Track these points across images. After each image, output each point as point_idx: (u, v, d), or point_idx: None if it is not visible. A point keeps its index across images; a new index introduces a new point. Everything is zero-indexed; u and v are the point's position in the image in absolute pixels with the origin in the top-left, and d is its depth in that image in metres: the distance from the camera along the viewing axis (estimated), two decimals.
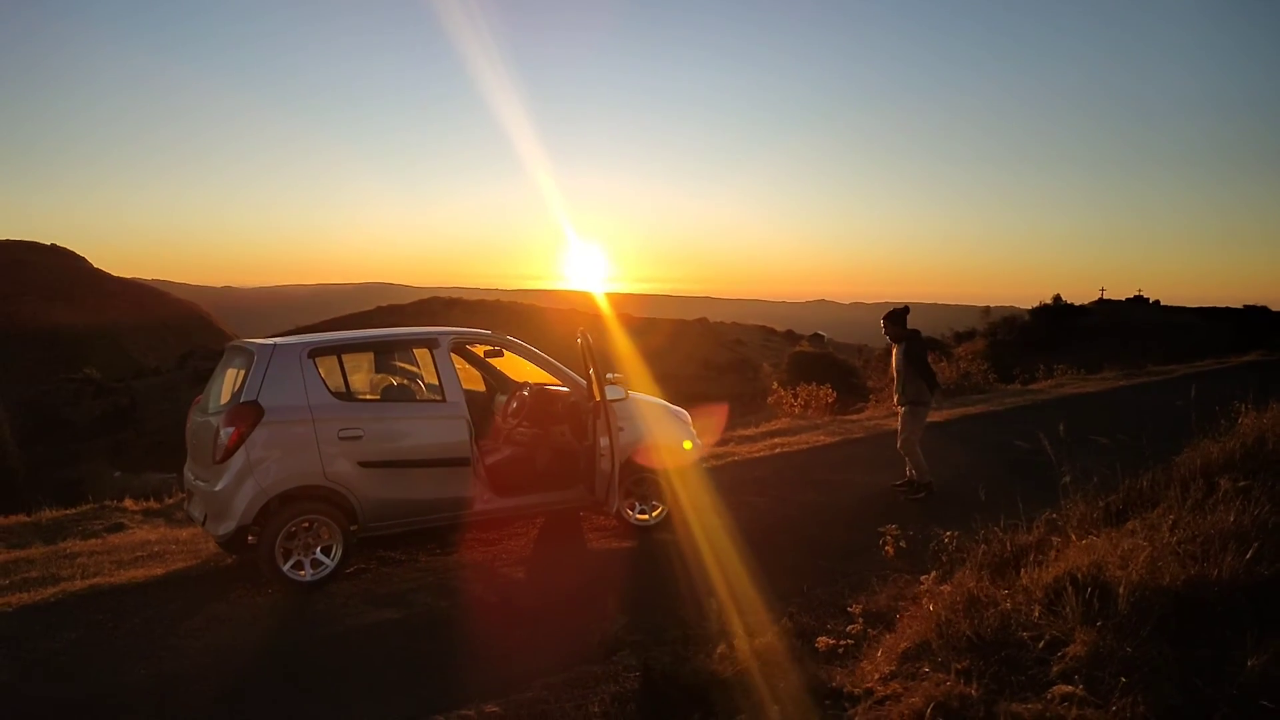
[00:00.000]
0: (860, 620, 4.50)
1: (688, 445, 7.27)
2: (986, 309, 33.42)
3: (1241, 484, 4.32)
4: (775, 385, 13.90)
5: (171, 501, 9.66)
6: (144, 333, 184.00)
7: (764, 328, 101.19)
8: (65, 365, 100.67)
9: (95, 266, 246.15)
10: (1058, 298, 32.59)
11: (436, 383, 6.79)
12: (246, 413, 6.03)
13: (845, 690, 3.61)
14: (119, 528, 8.47)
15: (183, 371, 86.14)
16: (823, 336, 78.36)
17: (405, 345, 7.37)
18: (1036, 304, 33.43)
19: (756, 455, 9.15)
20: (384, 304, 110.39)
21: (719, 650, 3.90)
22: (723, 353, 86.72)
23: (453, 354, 6.97)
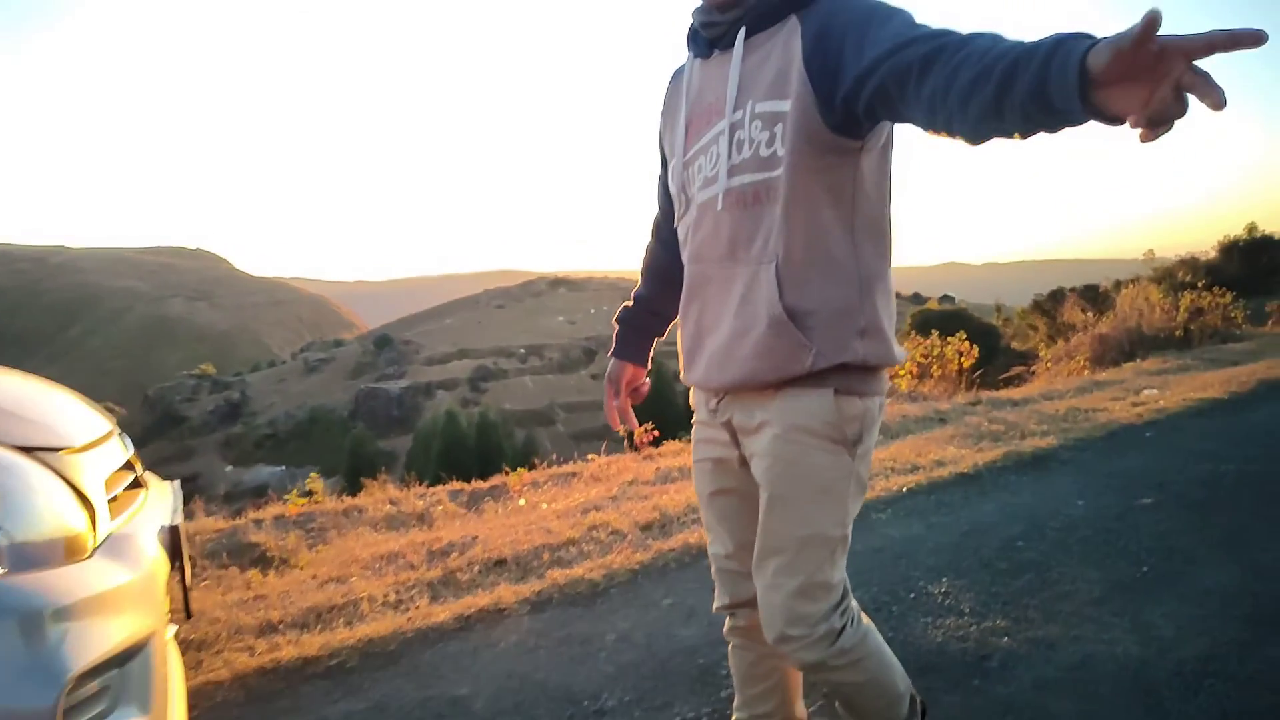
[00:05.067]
0: None
1: None
2: (1150, 253, 26.38)
3: None
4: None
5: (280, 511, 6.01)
6: (280, 328, 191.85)
7: None
8: (210, 362, 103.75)
9: (235, 267, 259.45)
10: (1253, 228, 25.80)
11: None
12: None
13: None
14: None
15: (294, 364, 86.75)
16: (953, 298, 71.21)
17: None
18: (1219, 242, 26.76)
19: None
20: (491, 287, 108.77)
21: None
22: None
23: None
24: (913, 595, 2.90)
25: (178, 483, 1.87)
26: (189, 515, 7.57)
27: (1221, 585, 2.81)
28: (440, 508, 6.19)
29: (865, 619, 1.53)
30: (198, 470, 66.89)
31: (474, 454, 36.60)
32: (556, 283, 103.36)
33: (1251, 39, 0.83)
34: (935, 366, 8.25)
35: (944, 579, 3.02)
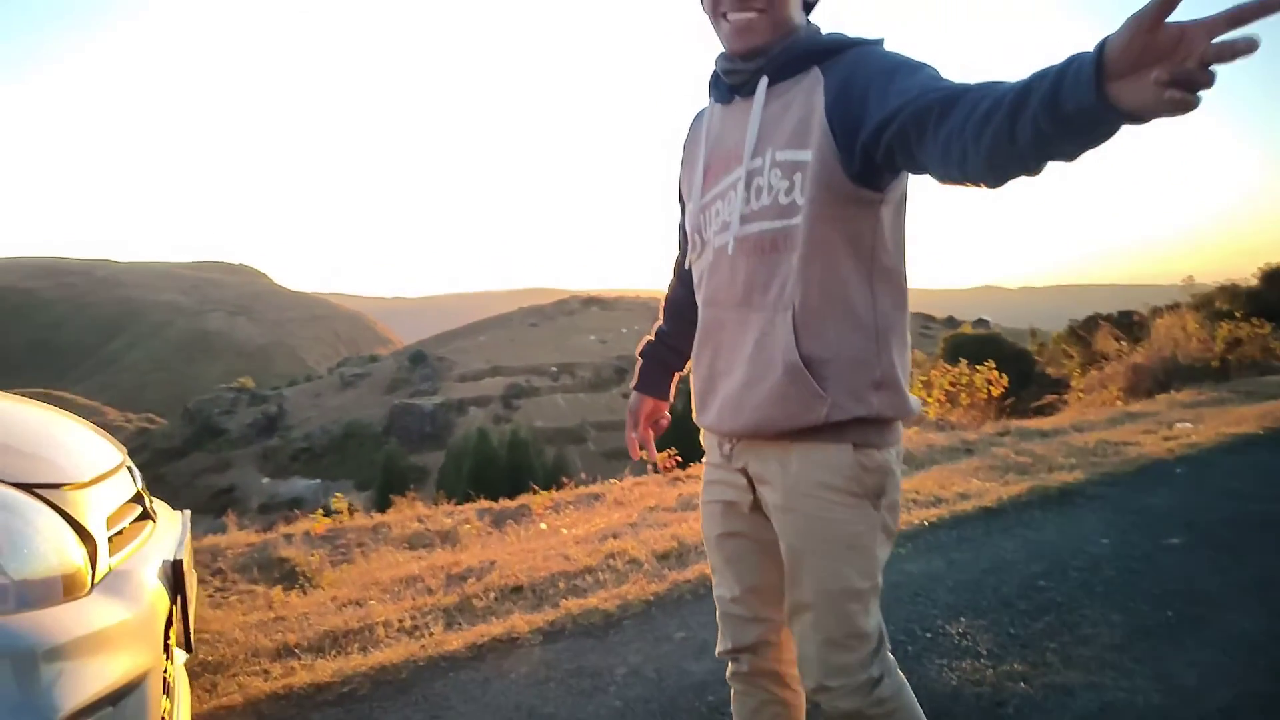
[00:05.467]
0: None
1: None
2: (1190, 279, 25.75)
3: None
4: (913, 388, 8.67)
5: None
6: (317, 343, 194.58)
7: (922, 315, 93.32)
8: (249, 376, 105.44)
9: (275, 282, 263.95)
10: None
11: None
12: None
13: None
14: None
15: (330, 379, 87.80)
16: (987, 322, 70.33)
17: None
18: (1261, 269, 26.09)
19: None
20: (525, 305, 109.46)
21: None
22: None
23: None
24: (929, 635, 2.86)
25: (187, 513, 1.90)
26: (222, 529, 7.71)
27: (1248, 633, 2.74)
28: (467, 527, 6.22)
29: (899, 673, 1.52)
30: (234, 482, 67.80)
31: (504, 471, 36.73)
32: (589, 301, 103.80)
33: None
34: (964, 395, 8.15)
35: (962, 618, 2.97)
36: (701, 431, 1.63)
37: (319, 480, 63.12)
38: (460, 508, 7.17)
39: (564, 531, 4.80)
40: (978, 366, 8.38)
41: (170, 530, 1.65)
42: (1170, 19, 0.86)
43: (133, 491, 1.60)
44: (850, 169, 1.29)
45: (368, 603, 3.61)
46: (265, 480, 67.82)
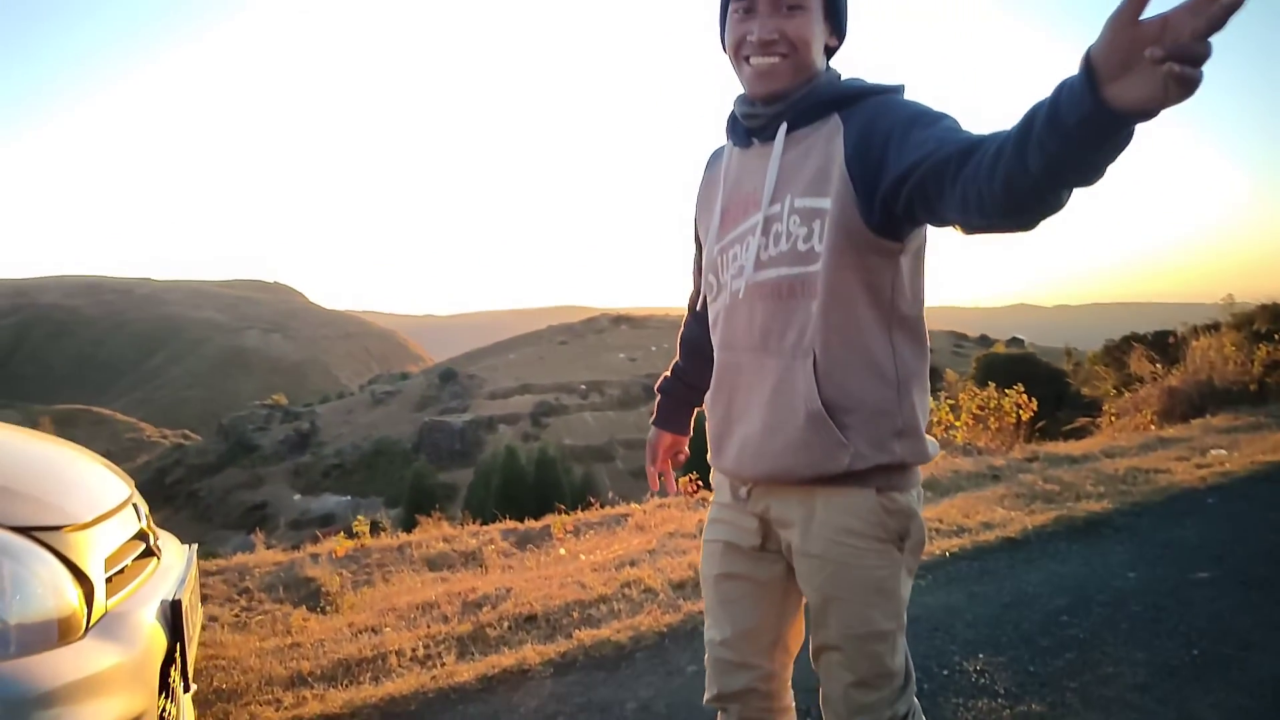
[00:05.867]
0: None
1: None
2: (1230, 298, 25.19)
3: None
4: (938, 414, 8.40)
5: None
6: (350, 360, 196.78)
7: (954, 333, 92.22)
8: (283, 392, 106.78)
9: (310, 300, 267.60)
10: None
11: None
12: None
13: None
14: None
15: (361, 396, 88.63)
16: (1021, 340, 69.35)
17: None
18: None
19: None
20: (555, 323, 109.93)
21: None
22: None
23: None
24: (946, 672, 2.81)
25: (194, 547, 1.91)
26: (249, 547, 7.78)
27: (1277, 675, 2.66)
28: (491, 547, 6.24)
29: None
30: (267, 498, 68.47)
31: (532, 490, 36.82)
32: (619, 319, 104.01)
33: None
34: (992, 419, 8.03)
35: (980, 655, 2.91)
36: (712, 470, 1.63)
37: (349, 497, 63.59)
38: (485, 528, 7.19)
39: (582, 557, 4.79)
40: (1006, 390, 8.25)
41: (174, 567, 1.67)
42: (1148, 14, 0.87)
43: (136, 528, 1.62)
44: (870, 219, 1.30)
45: (383, 630, 3.62)
46: (297, 497, 68.44)
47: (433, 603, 4.03)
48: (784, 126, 1.41)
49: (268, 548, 7.32)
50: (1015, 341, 68.19)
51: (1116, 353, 21.33)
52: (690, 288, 1.81)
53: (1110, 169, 0.99)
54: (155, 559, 1.65)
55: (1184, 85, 0.85)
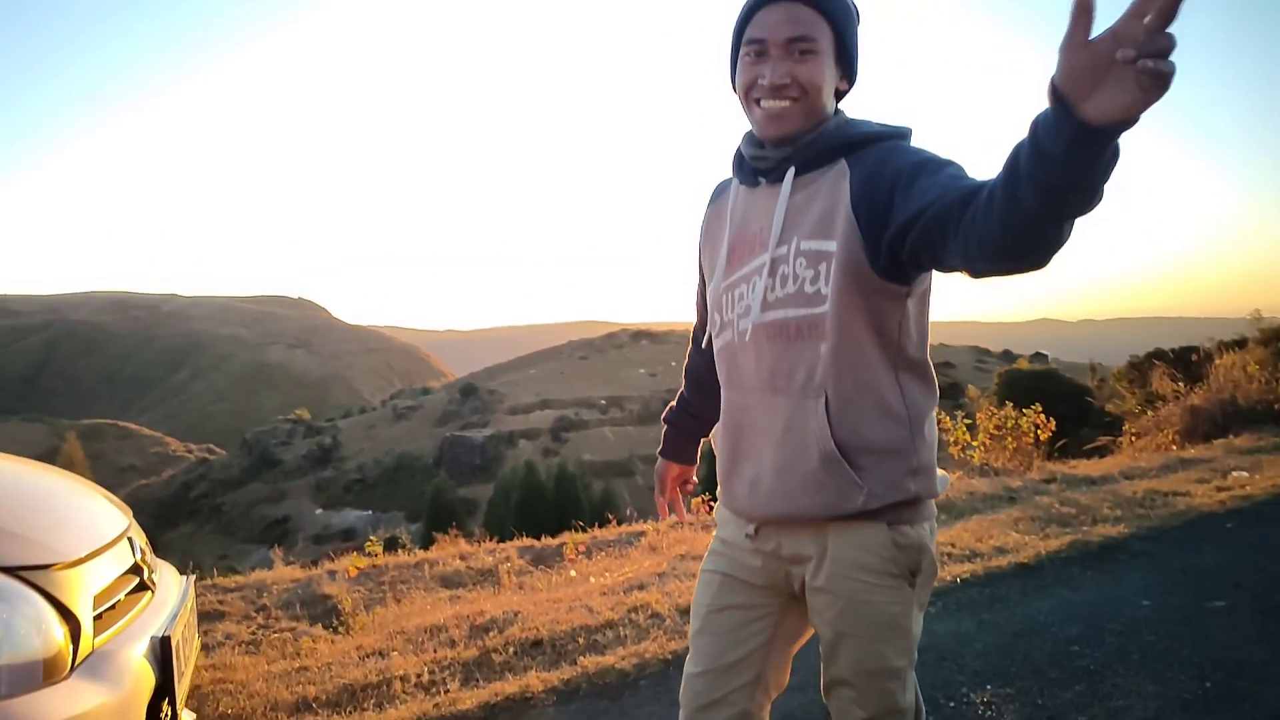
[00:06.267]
0: None
1: None
2: (1257, 313, 24.91)
3: None
4: (954, 434, 8.29)
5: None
6: (372, 375, 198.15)
7: (976, 349, 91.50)
8: (306, 407, 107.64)
9: (333, 316, 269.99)
10: None
11: None
12: None
13: None
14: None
15: (383, 411, 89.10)
16: (1045, 356, 68.61)
17: None
18: None
19: None
20: (575, 338, 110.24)
21: None
22: None
23: None
24: (953, 704, 2.77)
25: (191, 578, 1.93)
26: (268, 564, 7.85)
27: None
28: (507, 565, 6.24)
29: None
30: (289, 512, 68.89)
31: (551, 505, 36.85)
32: (638, 334, 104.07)
33: None
34: (1010, 439, 7.94)
35: (988, 686, 2.88)
36: (718, 503, 1.64)
37: (370, 512, 63.87)
38: (502, 545, 7.21)
39: (592, 580, 4.78)
40: (1024, 410, 8.16)
41: (168, 600, 1.68)
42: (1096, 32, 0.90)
43: (130, 562, 1.63)
44: (877, 264, 1.31)
45: (390, 654, 3.63)
46: (319, 511, 68.83)
47: (441, 626, 4.03)
48: (791, 170, 1.42)
49: (286, 564, 7.39)
50: (1039, 357, 67.48)
51: (1141, 369, 21.11)
52: (695, 319, 1.81)
53: (1105, 191, 1.00)
54: (150, 593, 1.66)
55: (1159, 79, 0.87)
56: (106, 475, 79.57)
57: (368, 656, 3.66)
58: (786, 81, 1.38)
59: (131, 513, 1.89)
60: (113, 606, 1.49)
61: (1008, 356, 77.87)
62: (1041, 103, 0.97)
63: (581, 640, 3.51)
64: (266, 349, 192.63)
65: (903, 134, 1.42)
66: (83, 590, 1.37)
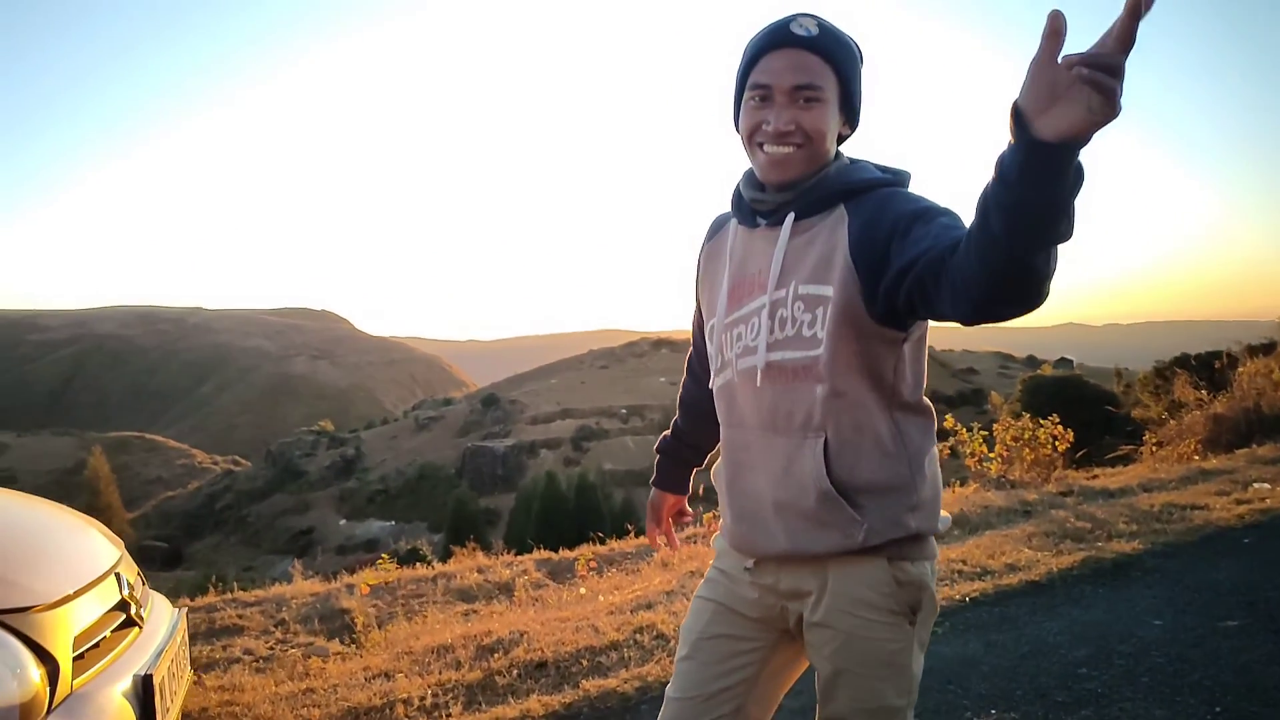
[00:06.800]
0: None
1: None
2: None
3: None
4: (971, 445, 8.21)
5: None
6: (395, 386, 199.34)
7: (1000, 354, 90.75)
8: (329, 419, 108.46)
9: (356, 327, 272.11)
10: None
11: None
12: None
13: None
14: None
15: (405, 421, 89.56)
16: (1070, 361, 67.97)
17: None
18: None
19: None
20: (596, 347, 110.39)
21: None
22: (952, 383, 78.20)
23: None
24: None
25: (183, 611, 1.94)
26: (288, 578, 7.92)
27: None
28: (524, 578, 6.26)
29: None
30: (313, 523, 69.36)
31: (572, 515, 36.88)
32: (659, 343, 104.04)
33: (1137, 2, 0.88)
34: (1027, 451, 7.85)
35: (993, 710, 2.85)
36: (716, 533, 1.65)
37: (393, 522, 64.15)
38: (519, 558, 7.23)
39: (600, 598, 4.77)
40: (1042, 420, 8.06)
41: (155, 636, 1.69)
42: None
43: (116, 599, 1.65)
44: (874, 311, 1.33)
45: (396, 676, 3.64)
46: (342, 522, 69.23)
47: (448, 646, 4.04)
48: (791, 216, 1.42)
49: (305, 578, 7.45)
50: (1064, 362, 66.87)
51: (1166, 375, 20.79)
52: (690, 348, 1.82)
53: (1074, 216, 1.01)
54: (137, 629, 1.68)
55: (1105, 95, 0.90)
56: (133, 487, 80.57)
57: (374, 678, 3.67)
58: (791, 128, 1.38)
59: (123, 545, 1.90)
60: (96, 645, 1.50)
61: (1032, 362, 77.19)
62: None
63: (585, 662, 3.51)
64: (290, 361, 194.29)
65: (901, 180, 1.44)
66: (63, 631, 1.39)
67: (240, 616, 5.78)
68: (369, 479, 74.46)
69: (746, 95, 1.43)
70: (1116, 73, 0.90)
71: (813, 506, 1.39)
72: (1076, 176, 0.98)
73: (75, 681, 1.37)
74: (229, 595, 6.39)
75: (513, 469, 68.18)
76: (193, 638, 5.41)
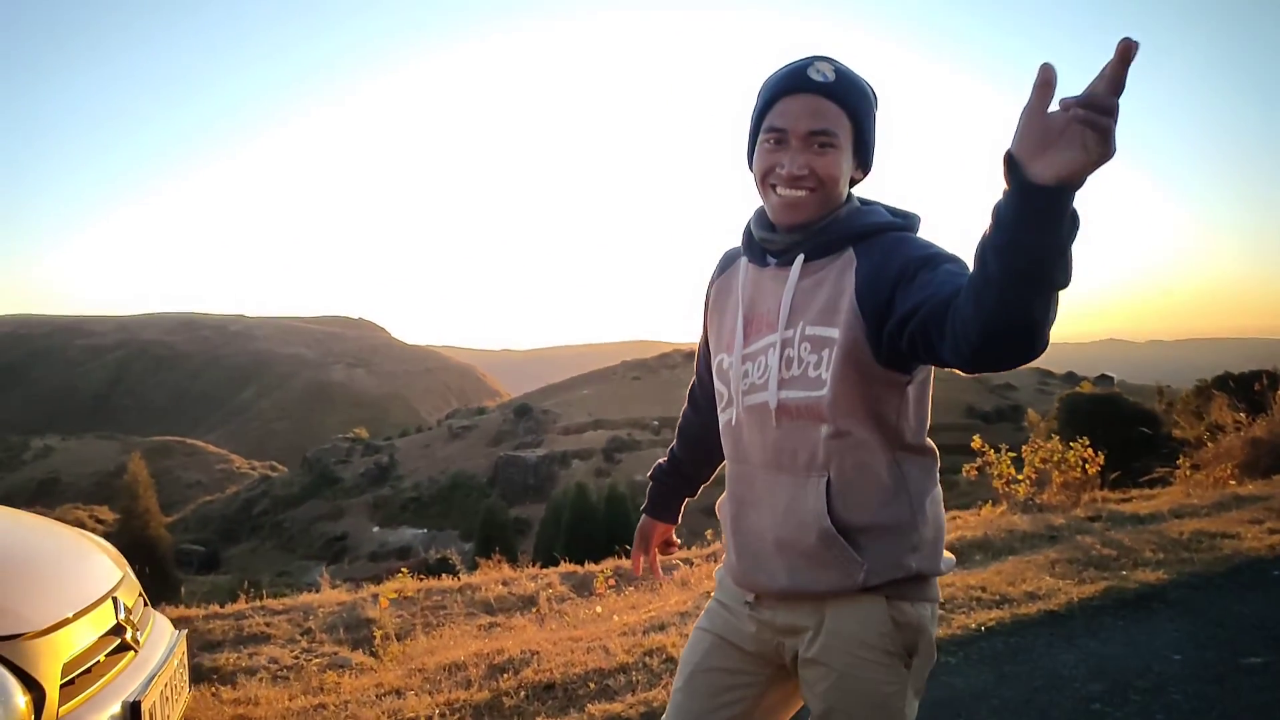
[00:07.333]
0: None
1: None
2: None
3: None
4: (999, 467, 8.06)
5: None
6: (430, 394, 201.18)
7: (1039, 370, 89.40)
8: (364, 426, 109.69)
9: (392, 336, 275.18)
10: None
11: None
12: None
13: None
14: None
15: (439, 430, 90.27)
16: (1111, 378, 66.56)
17: None
18: None
19: None
20: (628, 358, 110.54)
21: None
22: (990, 398, 77.22)
23: None
24: None
25: (182, 634, 1.98)
26: (315, 588, 8.02)
27: None
28: (548, 592, 6.28)
29: None
30: (347, 530, 70.03)
31: (602, 526, 36.85)
32: (692, 355, 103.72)
33: (1126, 46, 0.91)
34: (1056, 473, 7.72)
35: None
36: (720, 564, 1.66)
37: (426, 530, 64.57)
38: (544, 571, 7.25)
39: (615, 618, 4.77)
40: (1072, 442, 7.92)
41: (149, 661, 1.72)
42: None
43: (112, 623, 1.68)
44: (879, 354, 1.34)
45: (406, 693, 3.66)
46: (375, 529, 69.82)
47: (461, 664, 4.06)
48: (801, 258, 1.44)
49: (333, 586, 7.55)
50: (1104, 379, 65.60)
51: (1207, 394, 20.28)
52: (694, 378, 1.83)
53: (1070, 261, 1.02)
54: (132, 653, 1.71)
55: (1100, 134, 0.92)
56: (173, 491, 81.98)
57: (384, 695, 3.70)
58: (804, 173, 1.40)
59: (127, 565, 1.95)
60: (88, 670, 1.54)
61: (1071, 378, 75.90)
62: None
63: (593, 684, 3.51)
64: (328, 368, 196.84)
65: (911, 224, 1.45)
66: (51, 658, 1.42)
67: (268, 625, 5.87)
68: (402, 487, 75.08)
69: (762, 137, 1.44)
70: (1111, 113, 0.92)
71: (813, 545, 1.40)
72: (1073, 221, 0.99)
73: (62, 709, 1.40)
74: (258, 603, 6.49)
75: (544, 479, 68.37)
76: (219, 645, 5.52)
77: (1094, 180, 0.98)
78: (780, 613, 1.48)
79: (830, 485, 1.39)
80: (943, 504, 1.51)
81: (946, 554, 1.49)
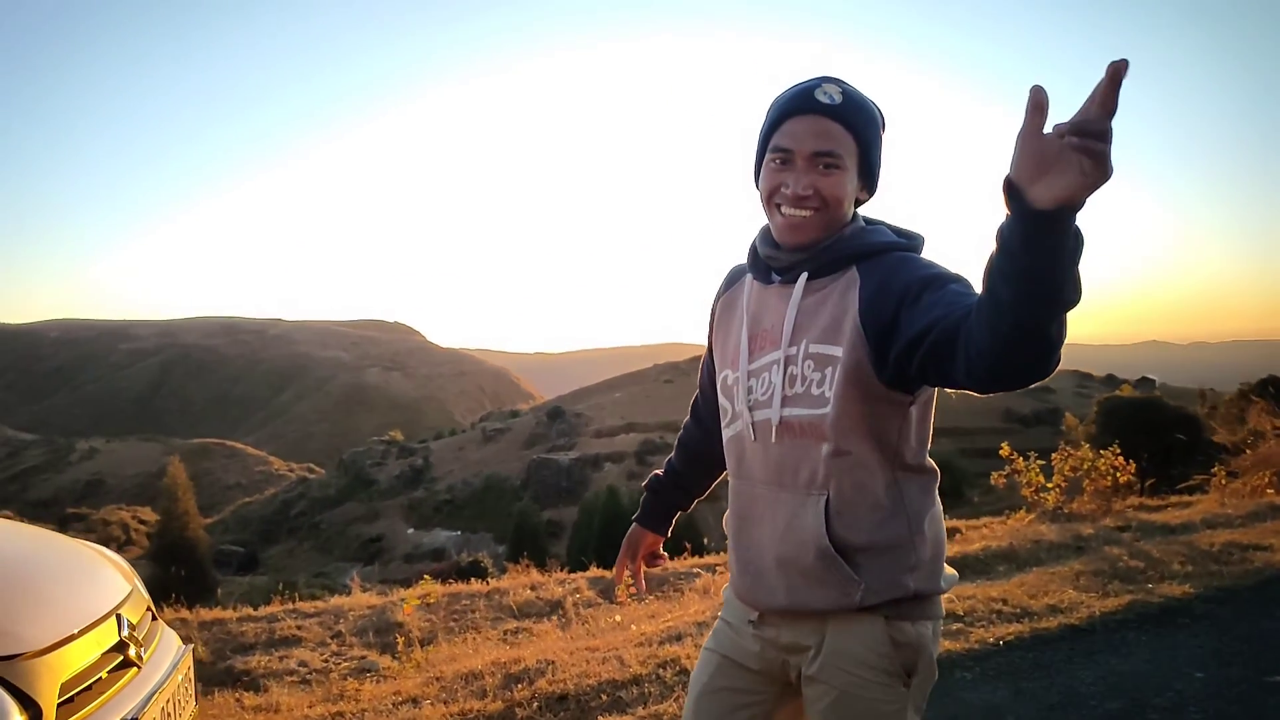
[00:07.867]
0: None
1: None
2: None
3: None
4: (1027, 475, 7.88)
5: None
6: (464, 397, 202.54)
7: (1078, 372, 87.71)
8: (400, 429, 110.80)
9: (427, 339, 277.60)
10: None
11: None
12: None
13: None
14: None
15: (473, 433, 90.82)
16: (1153, 381, 65.27)
17: None
18: None
19: None
20: (660, 361, 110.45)
21: None
22: (1027, 402, 76.00)
23: None
24: None
25: (189, 648, 2.01)
26: (346, 590, 8.13)
27: None
28: (576, 597, 6.31)
29: None
30: (383, 531, 70.67)
31: None
32: None
33: (1116, 68, 0.91)
34: (1087, 482, 7.59)
35: None
36: (726, 584, 1.67)
37: (459, 532, 64.98)
38: (573, 576, 7.29)
39: (633, 627, 4.78)
40: (1102, 450, 7.79)
41: (150, 679, 1.76)
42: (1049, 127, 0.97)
43: (115, 640, 1.72)
44: (883, 374, 1.34)
45: (422, 703, 3.70)
46: (410, 531, 70.38)
47: (477, 673, 4.10)
48: (804, 276, 1.45)
49: (364, 590, 7.66)
50: (1145, 382, 64.35)
51: (1250, 398, 19.74)
52: (697, 391, 1.84)
53: (1079, 279, 1.03)
54: (135, 669, 1.75)
55: (1095, 158, 0.93)
56: (213, 493, 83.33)
57: (401, 703, 3.75)
58: (809, 193, 1.41)
59: (137, 579, 1.99)
60: (88, 688, 1.58)
61: (1111, 381, 74.45)
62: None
63: (606, 696, 3.52)
64: (365, 371, 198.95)
65: (915, 244, 1.46)
66: (50, 678, 1.46)
67: (299, 627, 5.97)
68: (436, 489, 75.58)
69: (768, 156, 1.45)
70: (1105, 137, 0.92)
71: (812, 564, 1.41)
72: (1077, 240, 1.00)
73: None
74: (290, 605, 6.60)
75: (576, 482, 68.48)
76: (252, 648, 5.62)
77: (1108, 189, 0.99)
78: (783, 631, 1.49)
79: (829, 504, 1.39)
80: (943, 521, 1.51)
81: (948, 570, 1.49)
